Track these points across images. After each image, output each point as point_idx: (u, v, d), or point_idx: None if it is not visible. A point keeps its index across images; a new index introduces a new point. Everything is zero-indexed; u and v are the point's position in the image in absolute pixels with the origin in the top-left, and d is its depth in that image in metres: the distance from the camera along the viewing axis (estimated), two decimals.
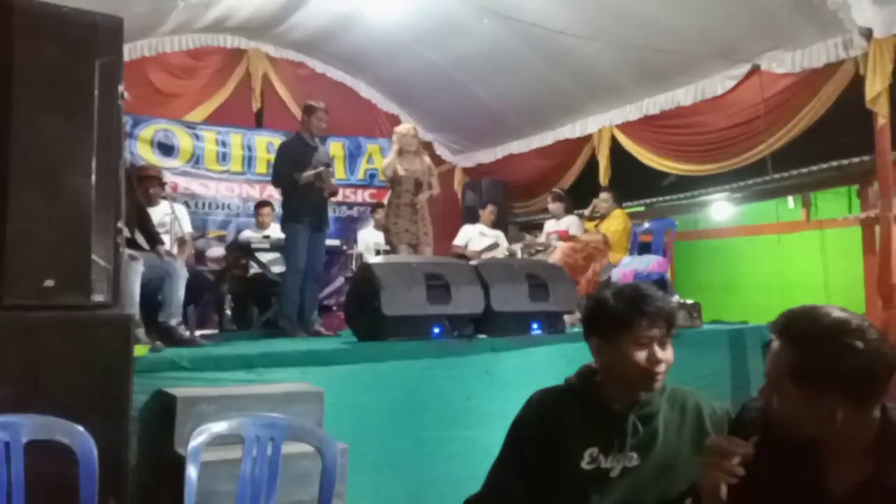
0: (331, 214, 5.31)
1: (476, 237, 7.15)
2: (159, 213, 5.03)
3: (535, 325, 4.28)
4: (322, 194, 5.04)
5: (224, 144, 7.68)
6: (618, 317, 1.62)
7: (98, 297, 2.45)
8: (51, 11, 2.45)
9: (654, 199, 7.37)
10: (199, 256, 6.87)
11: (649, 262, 5.51)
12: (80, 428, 1.97)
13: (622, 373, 1.62)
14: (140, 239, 4.22)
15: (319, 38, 7.75)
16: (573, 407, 1.69)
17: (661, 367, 1.60)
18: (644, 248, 5.83)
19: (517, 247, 6.77)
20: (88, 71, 2.51)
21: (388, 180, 5.52)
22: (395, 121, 8.50)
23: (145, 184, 5.05)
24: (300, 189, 4.94)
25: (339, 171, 5.84)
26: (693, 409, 1.69)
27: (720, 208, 7.44)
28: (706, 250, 8.12)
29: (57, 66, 2.47)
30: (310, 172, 4.88)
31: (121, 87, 2.58)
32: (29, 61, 2.41)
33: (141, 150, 7.18)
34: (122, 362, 2.49)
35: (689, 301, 5.02)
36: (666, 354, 1.61)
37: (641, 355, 1.59)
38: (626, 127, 7.01)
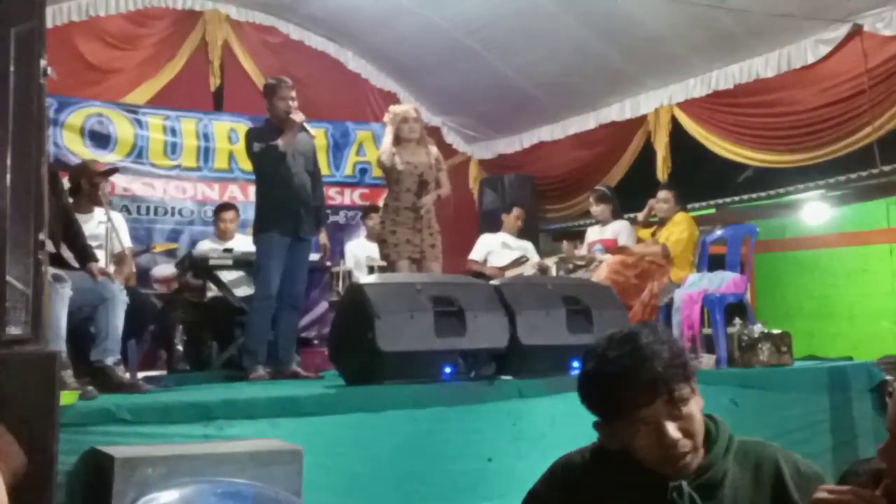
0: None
1: (498, 249, 7.15)
2: (92, 221, 5.06)
3: (575, 364, 4.26)
4: (307, 191, 5.08)
5: (174, 132, 7.73)
6: (597, 399, 1.63)
7: (13, 330, 2.46)
8: None
9: (727, 200, 7.35)
10: (143, 276, 6.90)
11: (723, 281, 5.49)
12: None
13: (639, 458, 1.62)
14: (67, 255, 4.25)
15: None
16: (608, 475, 1.68)
17: (682, 446, 1.58)
18: (716, 263, 5.80)
19: (551, 261, 6.76)
20: (1, 43, 2.53)
21: (384, 175, 5.55)
22: (392, 100, 8.52)
23: (92, 183, 5.08)
24: (280, 185, 4.98)
25: (322, 166, 5.86)
26: (771, 471, 1.65)
27: (813, 210, 7.41)
28: (796, 265, 8.09)
29: None
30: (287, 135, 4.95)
31: (43, 62, 2.60)
32: None
33: (68, 141, 7.24)
34: (44, 413, 2.49)
35: (776, 331, 5.00)
36: (685, 422, 1.58)
37: (646, 440, 1.59)
38: (689, 106, 7.01)
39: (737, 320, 5.23)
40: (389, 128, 5.52)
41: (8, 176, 2.50)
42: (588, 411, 1.68)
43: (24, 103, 2.56)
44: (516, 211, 7.37)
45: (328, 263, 6.74)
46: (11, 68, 2.54)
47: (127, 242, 5.54)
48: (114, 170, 5.61)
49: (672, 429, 1.57)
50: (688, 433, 1.58)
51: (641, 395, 1.56)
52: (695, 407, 1.61)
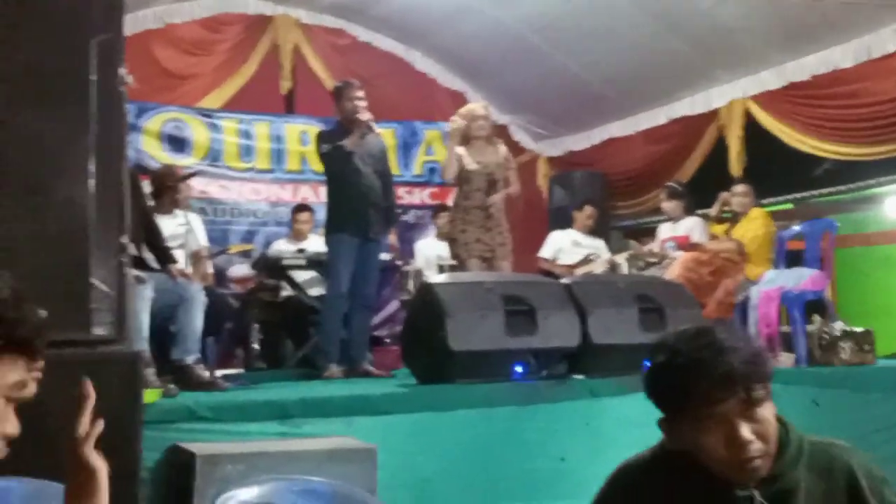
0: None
1: (568, 247, 7.10)
2: (171, 223, 5.19)
3: (648, 363, 4.21)
4: (376, 192, 5.12)
5: (247, 136, 7.88)
6: (666, 394, 1.56)
7: (99, 331, 2.53)
8: None
9: (805, 194, 7.18)
10: (220, 277, 7.05)
11: (801, 278, 5.37)
12: None
13: (704, 461, 1.54)
14: (148, 256, 4.37)
15: None
16: (670, 482, 1.61)
17: (754, 450, 1.50)
18: (794, 259, 5.67)
19: (622, 258, 6.68)
20: (82, 53, 2.60)
21: (453, 177, 5.55)
22: (460, 100, 8.53)
23: (173, 188, 5.23)
24: (349, 186, 5.03)
25: (391, 166, 5.90)
26: (845, 477, 1.58)
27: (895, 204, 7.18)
28: (879, 260, 7.81)
29: (42, 49, 2.58)
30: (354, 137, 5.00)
31: (122, 70, 2.68)
32: (11, 47, 2.52)
33: (147, 146, 7.44)
34: (128, 411, 2.56)
35: (858, 329, 4.87)
36: (759, 425, 1.50)
37: (715, 440, 1.50)
38: (764, 99, 6.86)
39: (816, 318, 5.10)
40: (458, 131, 5.48)
41: (91, 181, 2.58)
42: (655, 407, 1.63)
43: (106, 110, 2.64)
44: (588, 209, 7.30)
45: (398, 262, 6.78)
46: (93, 77, 2.62)
47: (204, 242, 5.68)
48: (194, 173, 5.72)
49: (745, 429, 1.49)
50: (761, 436, 1.50)
51: (716, 389, 1.48)
52: (769, 411, 1.53)
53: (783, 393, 1.61)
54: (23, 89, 2.54)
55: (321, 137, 5.29)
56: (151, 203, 5.06)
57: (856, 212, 7.53)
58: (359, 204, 5.09)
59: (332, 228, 5.14)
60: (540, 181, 9.19)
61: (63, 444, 2.40)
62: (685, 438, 1.55)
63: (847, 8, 5.74)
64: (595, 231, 7.36)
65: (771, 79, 6.77)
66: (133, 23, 7.30)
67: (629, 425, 3.79)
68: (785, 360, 4.91)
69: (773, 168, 6.93)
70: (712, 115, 7.34)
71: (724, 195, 6.23)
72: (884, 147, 6.04)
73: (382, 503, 2.79)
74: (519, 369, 4.00)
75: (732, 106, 7.13)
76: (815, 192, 7.14)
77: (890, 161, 6.18)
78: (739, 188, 6.13)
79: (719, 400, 1.49)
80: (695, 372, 1.50)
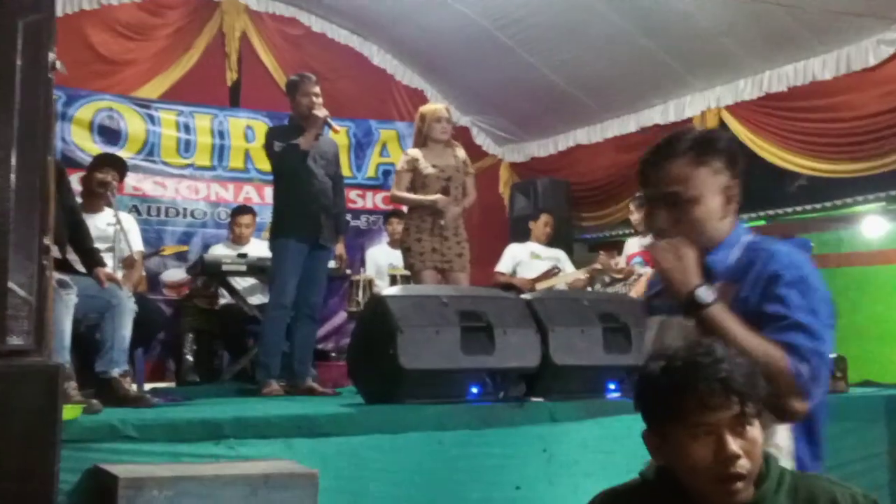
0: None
1: (527, 260, 7.14)
2: (100, 222, 5.10)
3: (611, 386, 4.26)
4: (328, 196, 5.09)
5: (187, 129, 7.78)
6: (659, 399, 1.61)
7: (15, 341, 2.47)
8: None
9: (779, 211, 7.28)
10: (152, 281, 6.96)
11: None
12: None
13: (686, 477, 1.60)
14: (73, 258, 4.28)
15: None
16: None
17: (740, 466, 1.55)
18: None
19: (585, 273, 6.72)
20: (7, 34, 2.54)
21: (402, 182, 5.52)
22: (419, 98, 8.55)
23: (98, 179, 5.11)
24: (299, 188, 4.99)
25: (343, 167, 5.85)
26: None
27: (873, 224, 7.31)
28: (854, 282, 7.95)
29: None
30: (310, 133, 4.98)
31: (52, 56, 2.62)
32: None
33: (76, 136, 7.31)
34: (45, 429, 2.50)
35: None
36: (747, 443, 1.56)
37: (702, 451, 1.56)
38: (739, 109, 6.96)
39: None
40: (404, 171, 5.47)
41: (12, 176, 2.52)
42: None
43: (31, 98, 2.57)
44: (544, 217, 7.34)
45: (348, 272, 6.75)
46: (18, 62, 2.56)
47: (137, 245, 5.58)
48: (115, 165, 5.49)
49: (734, 443, 1.54)
50: (748, 455, 1.56)
51: (711, 395, 1.54)
52: (758, 433, 1.58)
53: None
54: None
55: (272, 134, 5.24)
56: (79, 200, 4.97)
57: (830, 231, 7.66)
58: (309, 207, 5.05)
59: (279, 233, 5.09)
60: (501, 188, 9.23)
61: None
62: (671, 451, 1.60)
63: (829, 17, 5.85)
64: (557, 242, 7.40)
65: (747, 88, 6.88)
66: (67, 3, 7.20)
67: (589, 451, 3.81)
68: None
69: (746, 182, 7.00)
70: (685, 125, 7.42)
71: None
72: (862, 164, 6.14)
73: None
74: (474, 390, 3.99)
75: (706, 115, 7.22)
76: (789, 210, 7.24)
77: (867, 179, 6.29)
78: None
79: (714, 407, 1.55)
80: (692, 376, 1.57)
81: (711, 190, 1.99)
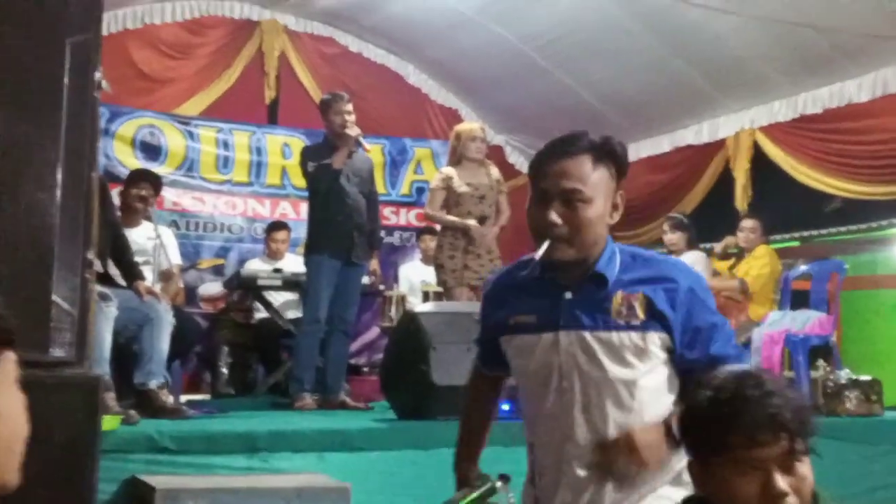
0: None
1: None
2: (140, 236, 5.16)
3: (686, 403, 4.20)
4: (361, 213, 5.12)
5: (226, 146, 7.86)
6: (705, 432, 1.54)
7: (58, 352, 2.50)
8: None
9: (813, 232, 7.20)
10: (189, 295, 7.02)
11: (807, 321, 5.38)
12: None
13: None
14: (113, 272, 4.34)
15: (356, 5, 7.92)
16: None
17: (788, 503, 1.48)
18: (800, 300, 5.69)
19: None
20: (56, 54, 2.59)
21: (436, 200, 5.53)
22: (453, 117, 8.58)
23: (134, 195, 5.18)
24: (333, 206, 5.02)
25: (377, 184, 5.88)
26: None
27: None
28: (887, 305, 7.85)
29: (15, 48, 2.57)
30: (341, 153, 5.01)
31: (98, 75, 2.67)
32: None
33: (118, 152, 7.41)
34: (86, 439, 2.53)
35: (864, 377, 4.87)
36: (796, 480, 1.50)
37: (748, 488, 1.49)
38: (774, 130, 6.91)
39: (821, 364, 5.11)
40: (438, 189, 5.50)
41: (58, 192, 2.56)
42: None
43: (78, 116, 2.62)
44: None
45: (381, 287, 6.77)
46: (66, 80, 2.61)
47: (176, 259, 5.64)
48: (153, 182, 5.54)
49: (782, 481, 1.48)
50: (797, 492, 1.49)
51: (760, 430, 1.47)
52: (808, 469, 1.52)
53: None
54: None
55: (306, 154, 5.28)
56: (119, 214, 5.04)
57: (864, 253, 7.57)
58: (342, 225, 5.07)
59: (312, 249, 5.13)
60: None
61: (20, 465, 2.37)
62: (716, 485, 1.54)
63: (864, 40, 5.80)
64: None
65: (781, 110, 6.82)
66: (111, 22, 7.31)
67: None
68: None
69: (780, 203, 6.95)
70: (718, 145, 7.37)
71: (729, 238, 6.26)
72: None
73: None
74: (506, 407, 3.96)
75: (740, 136, 7.17)
76: (823, 231, 7.17)
77: None
78: (747, 223, 6.15)
79: (761, 443, 1.48)
80: (741, 409, 1.49)
81: (605, 194, 1.98)
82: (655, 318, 1.94)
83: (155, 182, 5.45)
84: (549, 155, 2.01)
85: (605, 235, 2.01)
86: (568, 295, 1.97)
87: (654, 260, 2.07)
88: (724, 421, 1.50)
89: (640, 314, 1.94)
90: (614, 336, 1.93)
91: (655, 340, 1.96)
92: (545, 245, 1.94)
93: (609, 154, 1.99)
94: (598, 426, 1.94)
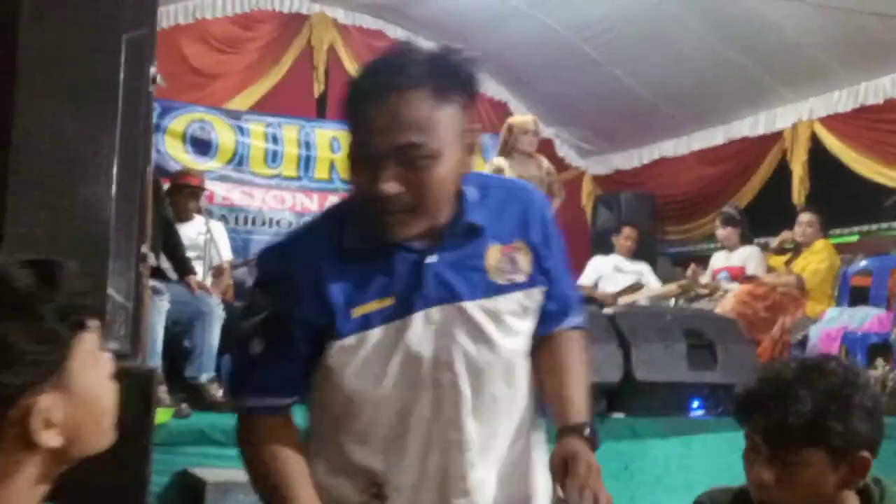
0: None
1: (609, 273, 7.06)
2: (191, 231, 5.24)
3: (695, 403, 4.21)
4: None
5: (275, 140, 7.92)
6: (737, 408, 1.62)
7: (113, 345, 2.54)
8: None
9: (873, 226, 7.08)
10: (239, 290, 7.09)
11: (866, 317, 5.30)
12: None
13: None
14: (166, 266, 4.41)
15: None
16: None
17: (769, 496, 1.54)
18: (858, 297, 5.61)
19: (671, 288, 6.63)
20: (112, 49, 2.64)
21: None
22: (504, 110, 8.55)
23: (186, 192, 5.28)
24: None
25: None
26: None
27: None
28: None
29: (72, 44, 2.61)
30: None
31: (153, 70, 2.71)
32: (37, 41, 2.56)
33: (169, 147, 7.51)
34: (139, 431, 2.56)
35: None
36: (768, 477, 1.52)
37: (748, 465, 1.58)
38: (833, 121, 6.81)
39: (880, 362, 5.03)
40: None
41: (113, 186, 2.61)
42: (716, 448, 1.72)
43: (133, 111, 2.66)
44: (626, 230, 7.27)
45: None
46: (121, 76, 2.65)
47: (227, 254, 5.71)
48: (195, 185, 5.62)
49: (764, 471, 1.52)
50: (765, 486, 1.53)
51: (754, 421, 1.55)
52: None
53: None
54: (47, 83, 2.57)
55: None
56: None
57: None
58: None
59: None
60: (584, 201, 9.16)
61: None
62: (746, 463, 1.59)
63: None
64: (640, 255, 7.31)
65: (841, 100, 6.72)
66: (163, 17, 7.41)
67: (672, 469, 3.76)
68: None
69: (839, 196, 6.85)
70: (775, 137, 7.30)
71: (786, 233, 6.18)
72: None
73: None
74: None
75: (798, 128, 7.08)
76: (884, 225, 7.05)
77: None
78: (805, 216, 6.06)
79: (759, 433, 1.54)
80: (761, 399, 1.54)
81: (455, 138, 1.43)
82: (542, 272, 1.57)
83: (197, 176, 5.59)
84: (369, 94, 1.42)
85: (456, 185, 1.48)
86: (431, 259, 1.46)
87: (501, 185, 1.64)
88: (747, 403, 1.58)
89: (526, 269, 1.54)
90: (500, 302, 1.51)
91: (537, 296, 1.58)
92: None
93: (452, 78, 1.43)
94: (491, 426, 1.54)
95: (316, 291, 1.45)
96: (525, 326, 1.57)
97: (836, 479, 1.52)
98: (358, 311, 1.44)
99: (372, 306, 1.45)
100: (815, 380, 1.52)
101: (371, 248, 1.46)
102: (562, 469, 1.48)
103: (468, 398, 1.48)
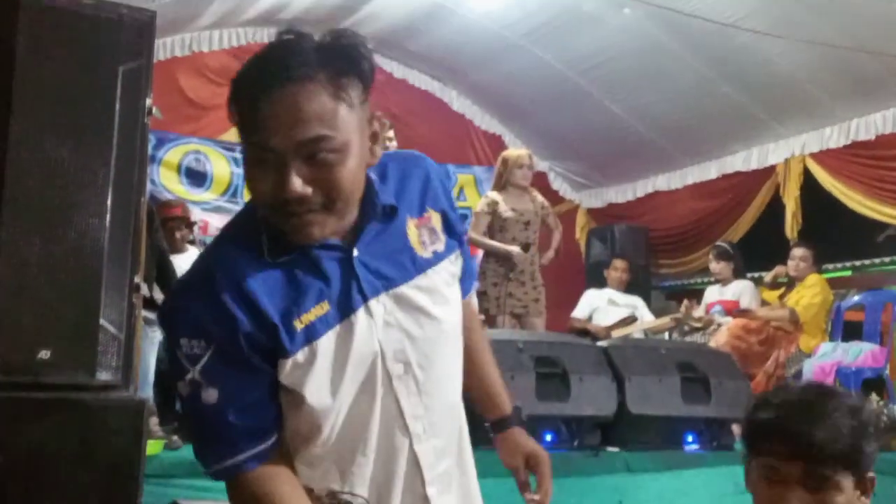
0: None
1: (604, 306, 7.07)
2: (185, 263, 5.23)
3: (689, 437, 4.19)
4: None
5: None
6: (746, 431, 1.60)
7: (104, 376, 2.54)
8: (66, 6, 2.63)
9: (866, 261, 7.10)
10: None
11: (859, 352, 5.31)
12: None
13: None
14: (158, 296, 4.40)
15: (400, 32, 8.00)
16: None
17: None
18: (851, 332, 5.62)
19: (665, 322, 6.63)
20: (108, 80, 2.66)
21: (480, 224, 5.57)
22: (497, 143, 8.61)
23: (170, 225, 5.30)
24: None
25: None
26: None
27: None
28: None
29: (69, 74, 2.64)
30: None
31: (149, 101, 2.73)
32: (34, 70, 2.58)
33: (164, 179, 7.54)
34: (131, 462, 2.56)
35: None
36: (813, 502, 1.49)
37: (767, 494, 1.53)
38: (825, 157, 6.85)
39: (874, 397, 5.02)
40: (483, 213, 5.55)
41: (108, 216, 2.62)
42: (711, 483, 1.67)
43: (128, 142, 2.68)
44: (618, 263, 7.29)
45: None
46: (117, 106, 2.67)
47: None
48: (179, 215, 5.69)
49: (796, 499, 1.49)
50: None
51: (777, 442, 1.51)
52: (838, 497, 1.49)
53: None
54: (44, 113, 2.59)
55: None
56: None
57: None
58: None
59: None
60: (578, 234, 9.19)
61: (66, 486, 2.41)
62: (751, 484, 1.58)
63: None
64: (634, 288, 7.32)
65: (833, 136, 6.76)
66: (160, 49, 7.45)
67: None
68: None
69: (832, 231, 6.87)
70: (768, 172, 7.33)
71: (780, 268, 6.20)
72: None
73: None
74: (548, 438, 3.95)
75: (790, 163, 7.12)
76: (876, 260, 7.06)
77: None
78: (798, 251, 6.08)
79: (786, 457, 1.50)
80: (775, 420, 1.52)
81: (359, 127, 1.34)
82: (453, 236, 1.53)
83: (180, 207, 5.71)
84: (261, 88, 1.31)
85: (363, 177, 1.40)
86: (356, 251, 1.39)
87: (393, 158, 1.53)
88: (759, 427, 1.56)
89: (442, 236, 1.51)
90: (432, 276, 1.47)
91: (457, 260, 1.55)
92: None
93: (349, 63, 1.33)
94: (442, 399, 1.51)
95: (252, 312, 1.33)
96: (456, 294, 1.54)
97: (857, 502, 1.52)
98: (300, 323, 1.35)
99: (313, 314, 1.36)
100: (837, 404, 1.51)
101: (295, 255, 1.36)
102: (524, 465, 1.76)
103: (422, 381, 1.44)
